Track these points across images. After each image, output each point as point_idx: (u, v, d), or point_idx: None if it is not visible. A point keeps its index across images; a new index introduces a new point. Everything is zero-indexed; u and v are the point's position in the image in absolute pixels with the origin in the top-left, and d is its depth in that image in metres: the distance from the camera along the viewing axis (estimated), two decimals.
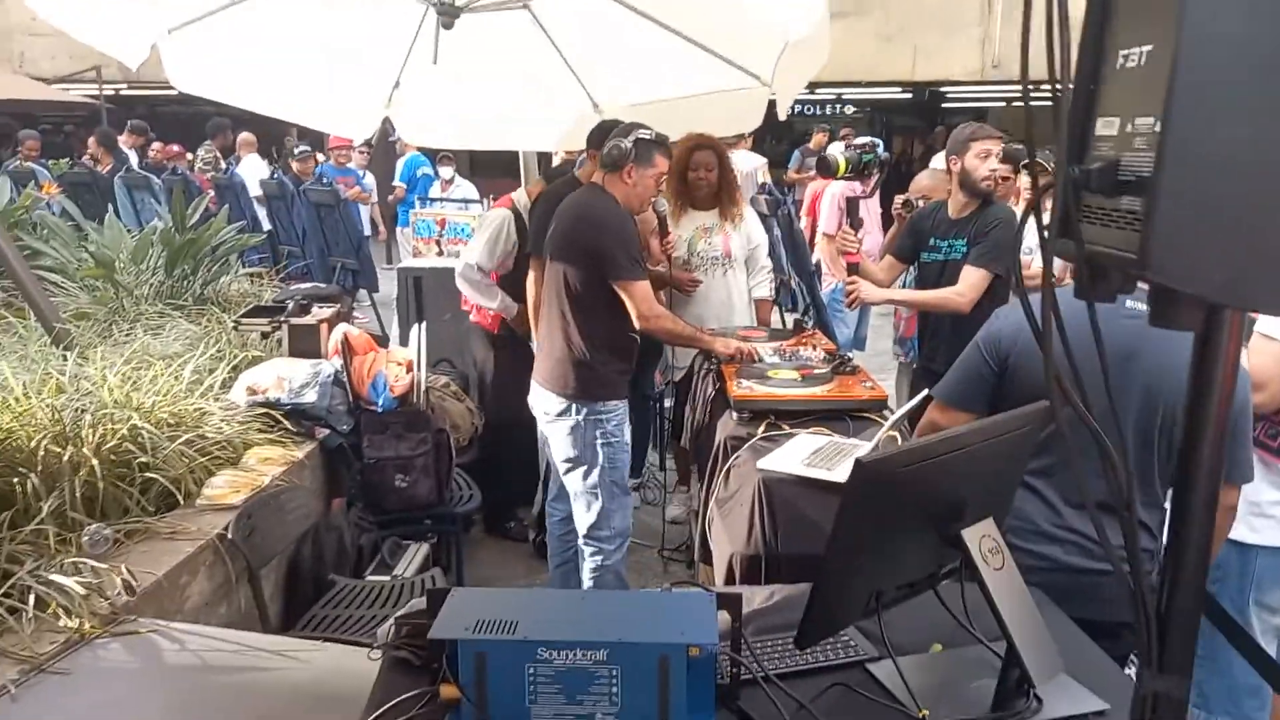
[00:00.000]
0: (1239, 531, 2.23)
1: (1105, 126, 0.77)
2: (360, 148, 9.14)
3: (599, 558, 3.18)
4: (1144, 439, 1.94)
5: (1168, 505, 2.36)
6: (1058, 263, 2.24)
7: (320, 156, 8.87)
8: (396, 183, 9.65)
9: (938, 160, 6.51)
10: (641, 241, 3.25)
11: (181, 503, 2.62)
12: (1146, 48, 0.71)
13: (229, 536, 2.47)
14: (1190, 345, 1.88)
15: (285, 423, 3.10)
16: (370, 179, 9.44)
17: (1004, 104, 17.41)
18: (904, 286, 4.12)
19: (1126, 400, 1.90)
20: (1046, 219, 0.78)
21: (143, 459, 2.59)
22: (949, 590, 1.64)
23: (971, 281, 3.36)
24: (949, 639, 1.69)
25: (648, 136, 3.01)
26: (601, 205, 3.04)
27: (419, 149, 9.56)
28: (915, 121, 17.80)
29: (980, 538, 1.48)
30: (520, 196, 4.05)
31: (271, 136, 13.70)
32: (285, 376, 3.16)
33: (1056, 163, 0.75)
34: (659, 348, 4.07)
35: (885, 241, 4.61)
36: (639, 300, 2.98)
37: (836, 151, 3.43)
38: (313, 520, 2.85)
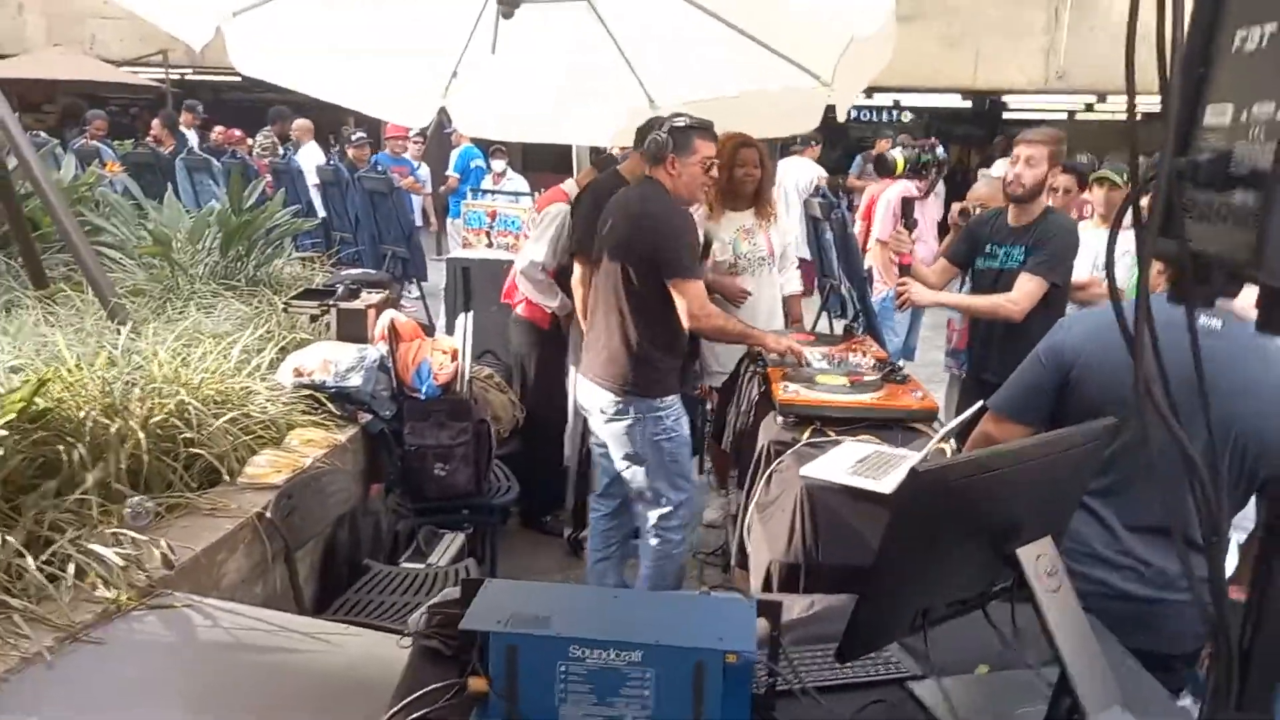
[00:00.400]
0: None
1: (1215, 115, 0.70)
2: (414, 138, 9.21)
3: (666, 547, 3.16)
4: (1211, 464, 1.84)
5: (1231, 536, 2.26)
6: (1123, 272, 2.13)
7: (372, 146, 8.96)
8: (450, 173, 9.73)
9: (997, 168, 6.38)
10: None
11: (225, 479, 2.63)
12: (1270, 27, 0.64)
13: (268, 515, 2.47)
14: (1274, 363, 1.80)
15: (329, 405, 3.10)
16: (425, 170, 9.52)
17: (1066, 115, 17.05)
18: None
19: (1197, 422, 1.81)
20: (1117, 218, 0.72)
21: (188, 434, 2.61)
22: (998, 609, 1.57)
23: (1026, 290, 3.27)
24: (996, 660, 1.62)
25: (682, 124, 2.95)
26: (658, 202, 3.00)
27: (472, 141, 9.62)
28: (974, 130, 17.48)
29: (1036, 557, 1.41)
30: (572, 188, 4.02)
31: (329, 124, 13.92)
32: (331, 360, 3.16)
33: (1160, 153, 0.69)
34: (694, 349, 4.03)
35: (940, 250, 4.52)
36: (692, 299, 2.93)
37: (894, 152, 3.41)
38: (351, 504, 2.85)
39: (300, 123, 8.67)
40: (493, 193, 7.74)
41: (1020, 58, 11.89)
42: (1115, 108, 14.59)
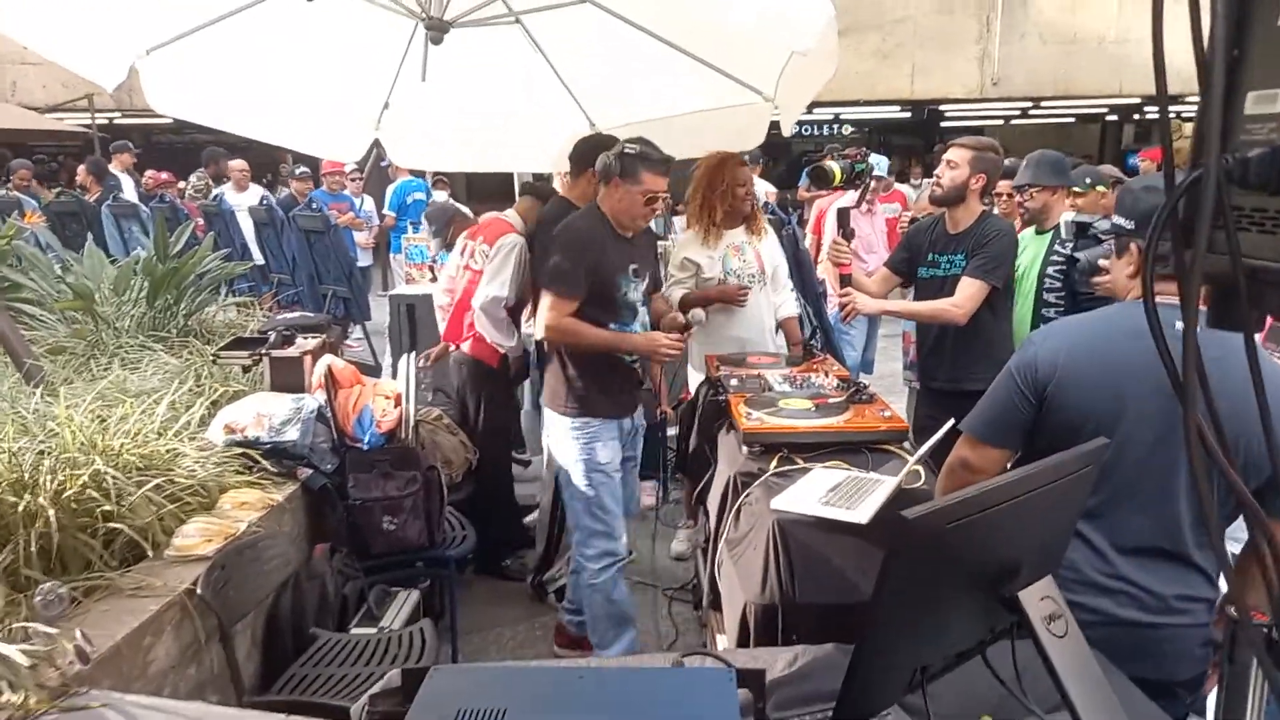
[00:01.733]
0: None
1: (1261, 103, 0.58)
2: (352, 174, 8.99)
3: (585, 576, 3.16)
4: (1206, 475, 1.74)
5: (1229, 546, 2.17)
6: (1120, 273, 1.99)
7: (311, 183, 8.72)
8: (386, 211, 9.50)
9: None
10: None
11: (150, 554, 2.42)
12: None
13: (198, 591, 2.26)
14: (1269, 374, 1.70)
15: (265, 463, 2.90)
16: (370, 203, 9.28)
17: (1002, 121, 17.34)
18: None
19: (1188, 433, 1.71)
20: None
21: (107, 507, 2.39)
22: (997, 651, 1.44)
23: (968, 293, 3.30)
24: (998, 707, 1.50)
25: (632, 151, 2.92)
26: (569, 222, 3.08)
27: (412, 173, 9.42)
28: (914, 140, 17.73)
29: (1039, 600, 1.28)
30: (513, 218, 3.88)
31: (268, 163, 13.61)
32: (265, 413, 2.96)
33: (1202, 149, 0.56)
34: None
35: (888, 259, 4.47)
36: (546, 309, 2.94)
37: (830, 164, 3.46)
38: (292, 569, 2.64)
39: (235, 164, 8.39)
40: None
41: (955, 67, 12.04)
42: (1049, 112, 14.87)
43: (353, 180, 9.06)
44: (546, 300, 2.95)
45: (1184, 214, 0.59)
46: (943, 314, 3.33)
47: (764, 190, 7.63)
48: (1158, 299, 0.63)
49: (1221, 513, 1.81)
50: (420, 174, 9.39)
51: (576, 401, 3.05)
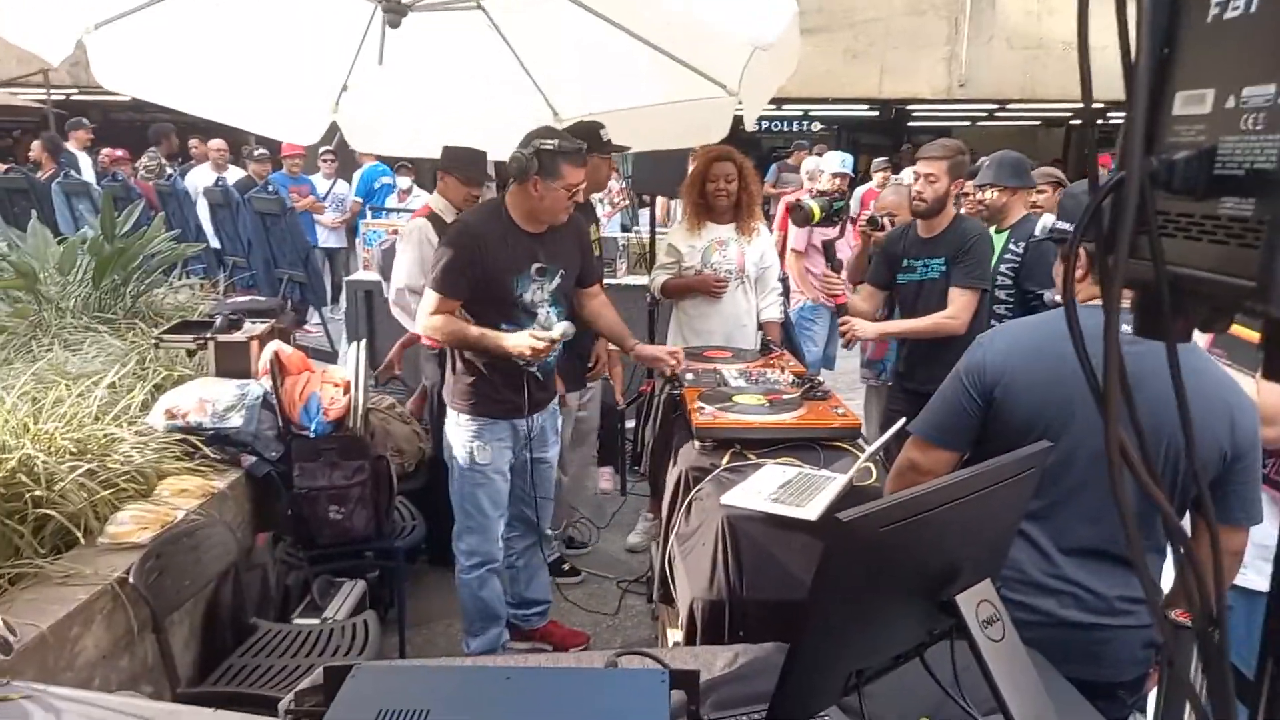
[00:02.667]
0: (1247, 577, 2.05)
1: (1189, 103, 0.56)
2: (324, 155, 8.83)
3: (458, 570, 3.10)
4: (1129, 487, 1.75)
5: (1169, 554, 2.19)
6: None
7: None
8: (354, 197, 9.35)
9: (906, 175, 6.40)
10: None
11: (81, 542, 2.35)
12: None
13: (130, 581, 2.20)
14: (1200, 373, 1.71)
15: (207, 450, 2.83)
16: (342, 186, 9.11)
17: (969, 123, 17.51)
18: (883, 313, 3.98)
19: (1126, 434, 1.72)
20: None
21: (37, 492, 2.32)
22: (936, 652, 1.44)
23: (962, 303, 3.34)
24: (937, 709, 1.49)
25: (550, 146, 2.78)
26: (463, 218, 3.04)
27: (379, 158, 9.27)
28: (882, 139, 17.82)
29: (977, 604, 1.27)
30: (437, 201, 3.81)
31: (231, 143, 13.35)
32: (209, 399, 2.89)
33: (1124, 151, 0.54)
34: (581, 367, 3.90)
35: (853, 258, 4.48)
36: (424, 306, 2.87)
37: (808, 201, 3.46)
38: (232, 558, 2.58)
39: (214, 144, 8.19)
40: (397, 211, 7.45)
41: (923, 68, 12.11)
42: (1015, 114, 15.05)
43: (325, 162, 8.90)
44: (428, 298, 2.87)
45: (1109, 219, 0.57)
46: (942, 328, 3.35)
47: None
48: (1094, 304, 0.61)
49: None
50: (388, 159, 9.24)
51: (462, 398, 2.95)
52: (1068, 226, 1.86)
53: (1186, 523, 1.93)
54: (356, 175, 9.54)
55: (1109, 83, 0.57)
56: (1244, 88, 0.51)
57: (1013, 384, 1.79)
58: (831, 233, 3.50)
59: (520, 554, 3.31)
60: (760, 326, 4.20)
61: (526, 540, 3.30)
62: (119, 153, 8.17)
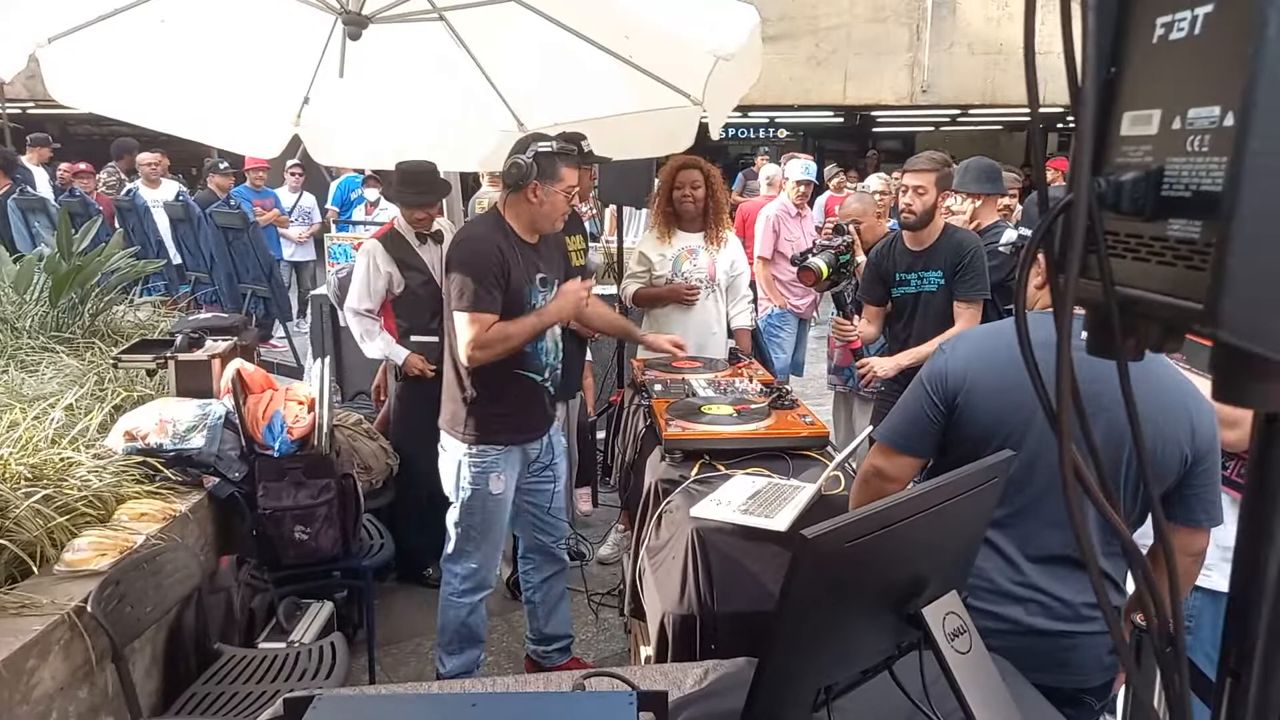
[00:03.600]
0: (1211, 579, 2.08)
1: (1136, 124, 0.56)
2: (292, 169, 8.74)
3: (446, 590, 3.04)
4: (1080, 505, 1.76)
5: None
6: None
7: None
8: (329, 206, 9.26)
9: (872, 182, 6.45)
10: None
11: (36, 571, 2.29)
12: (1203, 9, 0.50)
13: (89, 609, 2.14)
14: (1159, 378, 1.73)
15: (168, 472, 2.77)
16: (309, 199, 9.02)
17: (933, 128, 17.71)
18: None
19: (1064, 469, 1.73)
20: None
21: None
22: (904, 664, 1.44)
23: (968, 316, 3.37)
24: None
25: (548, 149, 2.74)
26: (467, 233, 2.88)
27: (355, 170, 9.19)
28: (847, 145, 17.98)
29: (944, 616, 1.27)
30: (401, 221, 3.80)
31: (190, 157, 13.17)
32: (169, 419, 2.84)
33: (1072, 172, 0.54)
34: (576, 382, 3.89)
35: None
36: (463, 330, 2.70)
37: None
38: (195, 582, 2.53)
39: (144, 158, 8.02)
40: (363, 224, 7.38)
41: (887, 74, 12.22)
42: (977, 119, 15.23)
43: (292, 175, 8.80)
44: (463, 321, 2.70)
45: (1059, 239, 0.57)
46: None
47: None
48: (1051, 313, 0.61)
49: (1129, 517, 1.84)
50: (362, 170, 9.16)
51: (476, 429, 2.84)
52: (1028, 233, 1.87)
53: (1148, 526, 1.95)
54: (333, 185, 9.45)
55: (1066, 87, 0.56)
56: (1189, 109, 0.51)
57: (974, 391, 1.80)
58: (840, 284, 3.48)
59: (537, 587, 3.24)
60: (731, 334, 4.21)
61: (544, 572, 3.22)
62: (81, 166, 7.97)
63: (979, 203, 4.02)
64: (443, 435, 2.95)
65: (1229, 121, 0.47)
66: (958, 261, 3.36)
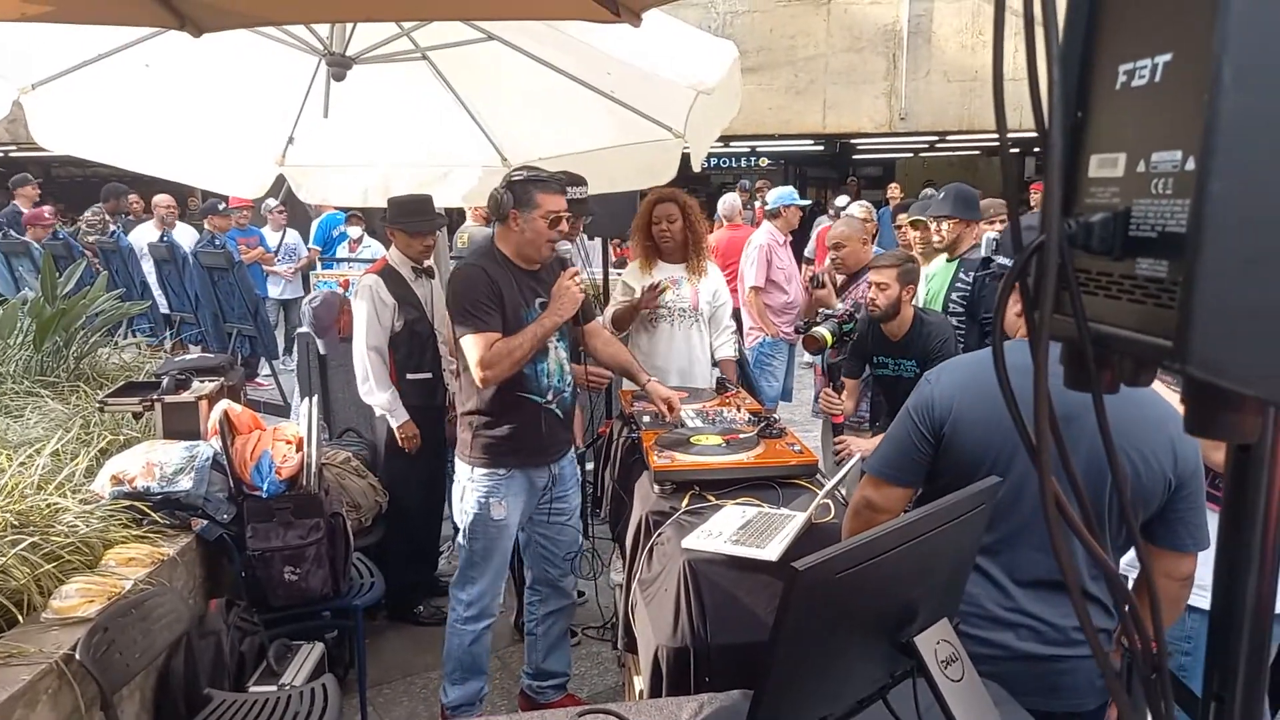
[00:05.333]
0: (1206, 599, 2.09)
1: (1103, 166, 0.58)
2: (277, 207, 8.76)
3: (453, 617, 3.06)
4: (1092, 508, 1.78)
5: (1124, 572, 2.22)
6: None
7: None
8: (311, 245, 9.27)
9: (855, 208, 6.53)
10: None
11: (22, 619, 2.27)
12: (1162, 58, 0.52)
13: (77, 657, 2.12)
14: (1141, 403, 1.75)
15: (155, 515, 2.75)
16: (293, 236, 9.03)
17: (912, 154, 17.91)
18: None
19: (1044, 502, 1.74)
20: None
21: None
22: (898, 691, 1.44)
23: None
24: None
25: (520, 176, 2.84)
26: (459, 265, 2.98)
27: (337, 207, 9.22)
28: (828, 172, 18.16)
29: (936, 644, 1.28)
30: (395, 255, 3.80)
31: (175, 197, 13.16)
32: (156, 462, 2.82)
33: (1044, 212, 0.56)
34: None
35: (804, 304, 4.63)
36: (470, 352, 2.76)
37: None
38: (184, 626, 2.50)
39: (160, 200, 8.01)
40: (347, 261, 7.40)
41: (865, 103, 12.39)
42: (955, 145, 15.43)
43: (279, 213, 8.82)
44: (469, 344, 2.75)
45: (1033, 278, 0.59)
46: None
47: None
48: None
49: (1115, 543, 1.85)
50: (341, 207, 9.19)
51: (483, 451, 2.90)
52: (1007, 262, 1.91)
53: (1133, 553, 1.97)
54: (315, 223, 9.47)
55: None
56: (1153, 153, 0.53)
57: (960, 420, 1.82)
58: (787, 270, 3.56)
59: (540, 621, 3.24)
60: (715, 364, 4.23)
61: (549, 606, 3.23)
62: (46, 210, 7.74)
63: (964, 228, 4.17)
64: (456, 459, 3.03)
65: (1190, 165, 0.49)
66: (927, 352, 3.43)
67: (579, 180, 3.67)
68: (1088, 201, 0.59)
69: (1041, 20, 0.54)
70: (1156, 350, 0.51)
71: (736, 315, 5.85)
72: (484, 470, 2.90)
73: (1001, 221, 4.56)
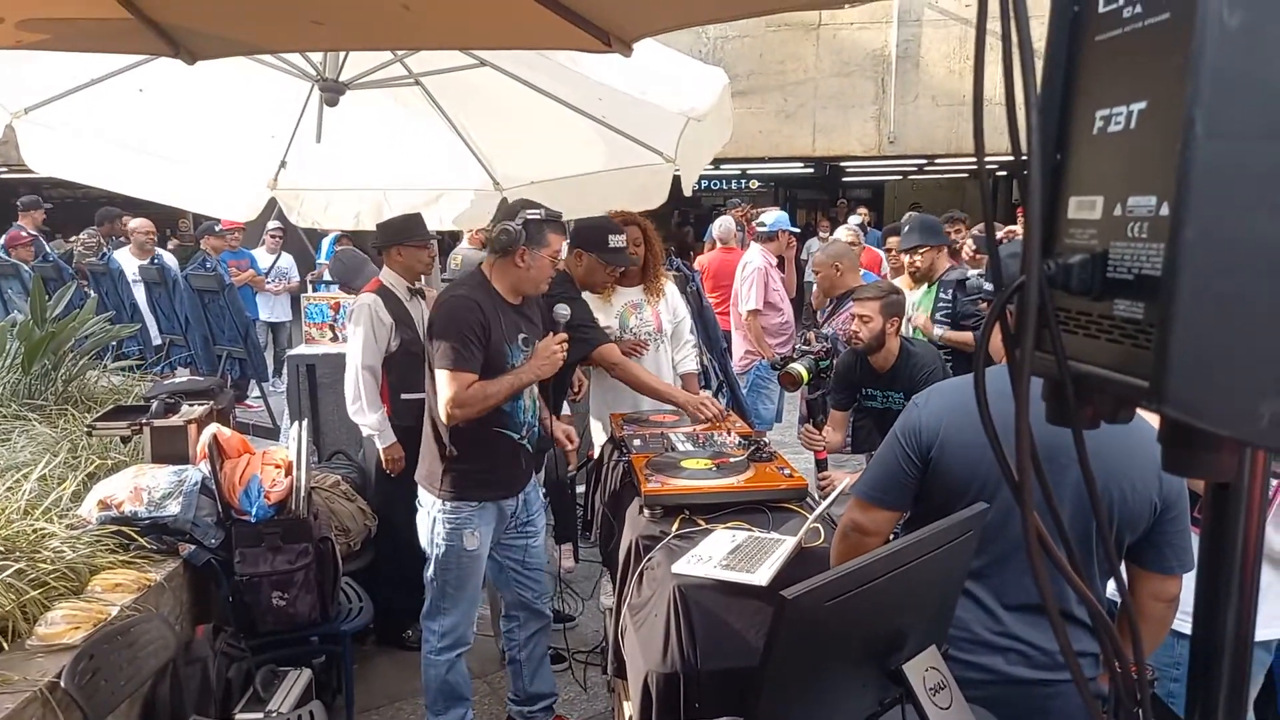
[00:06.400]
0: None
1: (1081, 208, 0.59)
2: (273, 231, 8.77)
3: (427, 649, 3.03)
4: (1082, 536, 1.79)
5: (1110, 595, 2.23)
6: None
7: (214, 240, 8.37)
8: (322, 260, 9.24)
9: (841, 232, 6.60)
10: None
11: (7, 646, 2.25)
12: (1137, 105, 0.54)
13: (62, 684, 2.10)
14: (1126, 428, 1.77)
15: (142, 540, 2.74)
16: (286, 259, 9.03)
17: (901, 176, 18.05)
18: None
19: (1058, 495, 1.75)
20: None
21: None
22: (887, 716, 1.44)
23: None
24: None
25: (537, 216, 2.82)
26: (450, 293, 2.92)
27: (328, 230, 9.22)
28: (818, 194, 18.28)
29: (924, 671, 1.28)
30: (388, 275, 3.78)
31: (166, 220, 13.16)
32: (144, 486, 2.81)
33: (1025, 254, 0.57)
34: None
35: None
36: (444, 388, 2.74)
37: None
38: (171, 653, 2.48)
39: (137, 224, 7.96)
40: (339, 283, 7.38)
41: (854, 126, 12.49)
42: (943, 169, 15.56)
43: (272, 237, 8.83)
44: (444, 379, 2.74)
45: (1014, 318, 0.60)
46: None
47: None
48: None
49: (1101, 567, 1.86)
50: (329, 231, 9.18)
51: (452, 485, 2.87)
52: (989, 286, 1.93)
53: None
54: (325, 242, 9.45)
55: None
56: (1129, 197, 0.54)
57: (947, 444, 1.83)
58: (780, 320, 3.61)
59: (522, 645, 3.21)
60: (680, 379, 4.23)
61: (528, 629, 3.20)
62: (24, 235, 7.62)
63: (936, 253, 4.36)
64: (419, 490, 2.97)
65: (1165, 211, 0.51)
66: (914, 385, 3.44)
67: (616, 229, 3.66)
68: (1067, 242, 0.60)
69: (1020, 67, 0.55)
70: (1134, 390, 0.53)
71: (727, 337, 5.86)
72: (456, 503, 2.87)
73: (960, 235, 4.83)
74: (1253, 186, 0.49)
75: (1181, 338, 0.49)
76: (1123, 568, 1.97)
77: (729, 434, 3.33)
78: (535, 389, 3.01)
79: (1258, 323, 0.49)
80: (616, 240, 3.55)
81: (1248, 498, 0.59)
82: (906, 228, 4.57)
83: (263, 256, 8.83)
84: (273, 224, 8.47)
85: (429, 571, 2.96)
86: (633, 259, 3.99)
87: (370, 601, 3.31)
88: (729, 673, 2.22)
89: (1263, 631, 2.16)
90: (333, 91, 3.44)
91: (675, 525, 2.63)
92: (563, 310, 3.04)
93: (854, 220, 7.95)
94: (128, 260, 6.94)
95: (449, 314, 2.80)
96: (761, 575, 2.27)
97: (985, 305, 3.56)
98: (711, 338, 5.19)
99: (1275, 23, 0.49)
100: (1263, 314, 0.49)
